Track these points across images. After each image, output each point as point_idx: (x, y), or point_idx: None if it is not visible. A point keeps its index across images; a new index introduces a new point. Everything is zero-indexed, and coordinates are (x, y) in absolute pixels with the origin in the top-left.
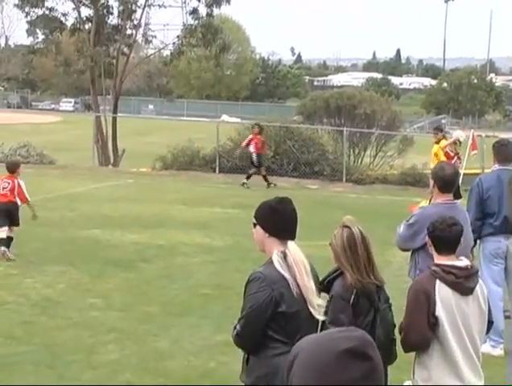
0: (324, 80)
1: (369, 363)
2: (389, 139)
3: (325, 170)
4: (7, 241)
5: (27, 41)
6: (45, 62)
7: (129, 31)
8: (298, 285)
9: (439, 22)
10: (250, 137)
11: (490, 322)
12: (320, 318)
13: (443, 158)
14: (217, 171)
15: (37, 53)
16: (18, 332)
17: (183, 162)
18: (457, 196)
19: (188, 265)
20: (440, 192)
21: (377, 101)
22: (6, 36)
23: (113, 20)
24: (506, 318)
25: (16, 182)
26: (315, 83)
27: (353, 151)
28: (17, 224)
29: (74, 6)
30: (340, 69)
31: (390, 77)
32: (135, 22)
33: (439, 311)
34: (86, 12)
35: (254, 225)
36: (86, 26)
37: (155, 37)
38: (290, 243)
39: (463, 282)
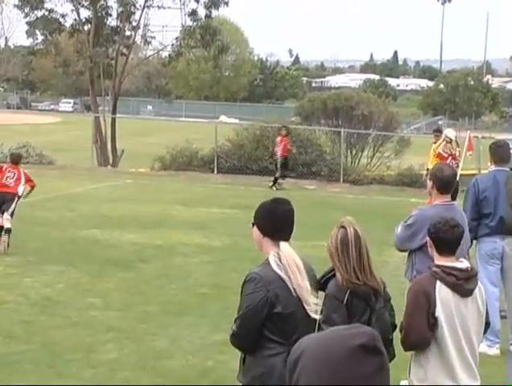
0: (321, 82)
1: (380, 357)
2: (386, 140)
3: (323, 170)
4: (6, 231)
5: (27, 42)
6: (44, 63)
7: (128, 33)
8: (293, 286)
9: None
10: (278, 139)
11: (487, 324)
12: (317, 317)
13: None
14: (215, 172)
15: (36, 54)
16: (18, 331)
17: (182, 163)
18: (454, 197)
19: (187, 265)
20: (439, 193)
21: (374, 102)
22: (6, 37)
23: (112, 21)
24: (502, 318)
25: (21, 171)
26: (313, 84)
27: (350, 152)
28: (12, 212)
29: (73, 8)
30: (337, 70)
31: (387, 79)
32: (134, 24)
33: (439, 312)
34: (85, 13)
35: (253, 225)
36: (85, 28)
37: (154, 38)
38: (282, 243)
39: (463, 284)
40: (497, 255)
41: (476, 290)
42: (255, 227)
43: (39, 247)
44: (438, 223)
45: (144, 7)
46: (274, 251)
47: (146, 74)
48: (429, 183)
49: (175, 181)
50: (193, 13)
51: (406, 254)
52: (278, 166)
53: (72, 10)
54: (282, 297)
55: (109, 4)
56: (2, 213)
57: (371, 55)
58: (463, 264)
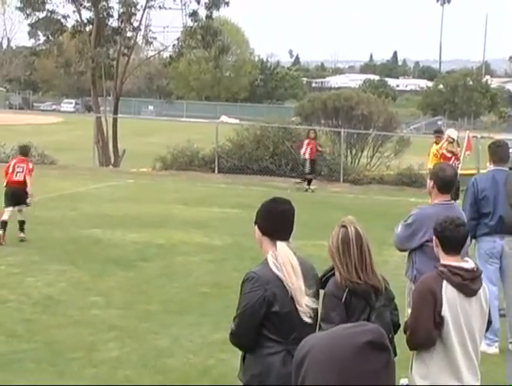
0: (321, 82)
1: (387, 353)
2: (385, 140)
3: (323, 170)
4: (20, 225)
5: (29, 43)
6: (46, 63)
7: (129, 33)
8: (288, 285)
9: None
10: (306, 142)
11: (489, 322)
12: (306, 319)
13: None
14: (216, 171)
15: (39, 55)
16: (20, 330)
17: (183, 163)
18: (456, 197)
19: (188, 264)
20: (440, 193)
21: (374, 103)
22: (8, 38)
23: (113, 22)
24: (501, 316)
25: (30, 164)
26: (313, 84)
27: (350, 152)
28: (26, 204)
29: (75, 9)
30: (337, 71)
31: (386, 79)
32: (135, 25)
33: (445, 311)
34: (87, 14)
35: (255, 224)
36: (87, 29)
37: (155, 39)
38: (279, 243)
39: (468, 284)
40: (496, 254)
41: (481, 290)
42: (256, 226)
43: (41, 246)
44: (444, 222)
45: (145, 8)
46: (273, 250)
47: (148, 74)
48: (429, 183)
49: (177, 181)
50: (194, 13)
51: (406, 254)
52: (308, 168)
53: (74, 11)
54: (280, 297)
55: (110, 5)
56: (15, 206)
57: (371, 56)
58: (469, 264)
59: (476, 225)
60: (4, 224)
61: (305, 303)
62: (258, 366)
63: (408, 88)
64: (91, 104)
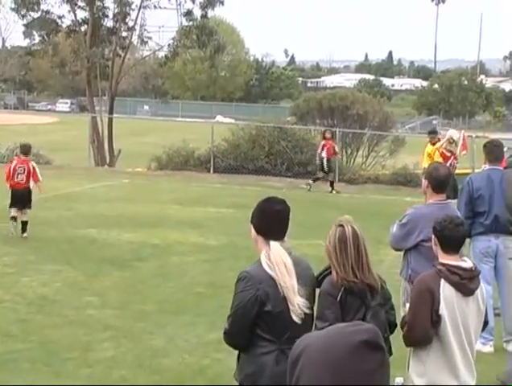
0: (317, 82)
1: (382, 352)
2: (381, 139)
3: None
4: (22, 225)
5: (24, 43)
6: (41, 63)
7: (124, 33)
8: (280, 285)
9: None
10: (323, 142)
11: (485, 323)
12: (297, 319)
13: (439, 159)
14: (212, 171)
15: (34, 55)
16: (15, 330)
17: (178, 163)
18: (455, 196)
19: (183, 264)
20: (434, 192)
21: (369, 102)
22: (3, 38)
23: (108, 22)
24: (496, 315)
25: (30, 165)
26: (309, 84)
27: (345, 151)
28: (29, 207)
29: (70, 9)
30: (332, 71)
31: (381, 78)
32: (130, 24)
33: (443, 310)
34: (82, 14)
35: (251, 223)
36: (82, 29)
37: (151, 38)
38: (272, 243)
39: (466, 283)
40: (491, 253)
41: (478, 290)
42: (251, 226)
43: (37, 246)
44: (444, 221)
45: (140, 8)
46: (266, 250)
47: (143, 74)
48: (424, 182)
49: (172, 180)
50: (189, 13)
51: (401, 253)
52: (326, 168)
53: (69, 11)
54: (272, 296)
55: (105, 5)
56: (19, 209)
57: (366, 56)
58: (467, 263)
59: (471, 224)
60: (14, 219)
61: (297, 303)
62: (251, 365)
63: (403, 88)
64: (85, 104)
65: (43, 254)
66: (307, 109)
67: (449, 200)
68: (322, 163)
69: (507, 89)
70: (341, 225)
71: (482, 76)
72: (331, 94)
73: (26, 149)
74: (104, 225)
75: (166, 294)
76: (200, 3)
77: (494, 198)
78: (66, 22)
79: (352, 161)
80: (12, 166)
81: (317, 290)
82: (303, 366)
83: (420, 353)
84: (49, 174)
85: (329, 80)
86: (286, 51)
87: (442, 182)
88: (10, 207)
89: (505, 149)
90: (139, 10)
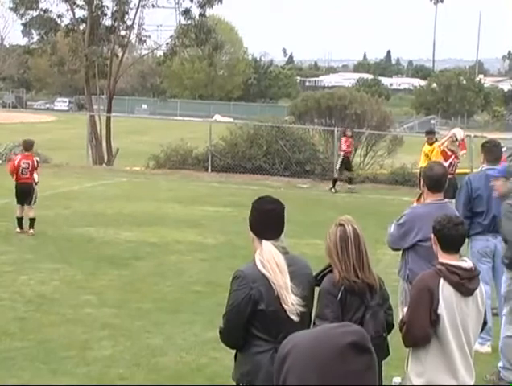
0: (315, 81)
1: (369, 355)
2: (379, 139)
3: (316, 169)
4: (30, 222)
5: (23, 41)
6: (40, 62)
7: (122, 32)
8: (273, 284)
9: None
10: (343, 139)
11: (485, 323)
12: (293, 317)
13: (439, 157)
14: (210, 170)
15: (32, 53)
16: (13, 328)
17: (176, 161)
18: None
19: (181, 263)
20: (430, 192)
21: (367, 102)
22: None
23: (106, 21)
24: (494, 315)
25: (35, 160)
26: (307, 83)
27: None
28: (34, 201)
29: (68, 8)
30: (331, 70)
31: (380, 78)
32: (129, 23)
33: (442, 309)
34: (80, 13)
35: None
36: (80, 27)
37: (149, 37)
38: (264, 242)
39: (466, 283)
40: (489, 253)
41: (477, 290)
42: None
43: (35, 244)
44: (442, 221)
45: (139, 6)
46: (260, 249)
47: (141, 73)
48: (421, 182)
49: (170, 179)
50: (187, 12)
51: (399, 253)
52: (338, 167)
53: (68, 10)
54: (266, 295)
55: (104, 4)
56: (22, 205)
57: (364, 55)
58: (467, 263)
59: (470, 224)
60: (19, 220)
61: (291, 301)
62: (247, 364)
63: (402, 87)
64: (83, 102)
65: (41, 252)
66: (305, 109)
67: (447, 200)
68: (339, 160)
69: (506, 89)
70: (342, 224)
71: (481, 76)
72: (329, 93)
73: (28, 145)
74: (102, 224)
75: (164, 293)
76: (198, 2)
77: (492, 198)
78: (64, 20)
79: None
80: (16, 162)
81: (317, 289)
82: (290, 366)
83: (419, 353)
84: (47, 173)
85: (327, 80)
86: (284, 50)
87: (436, 181)
88: (17, 203)
89: (503, 149)
90: (137, 9)
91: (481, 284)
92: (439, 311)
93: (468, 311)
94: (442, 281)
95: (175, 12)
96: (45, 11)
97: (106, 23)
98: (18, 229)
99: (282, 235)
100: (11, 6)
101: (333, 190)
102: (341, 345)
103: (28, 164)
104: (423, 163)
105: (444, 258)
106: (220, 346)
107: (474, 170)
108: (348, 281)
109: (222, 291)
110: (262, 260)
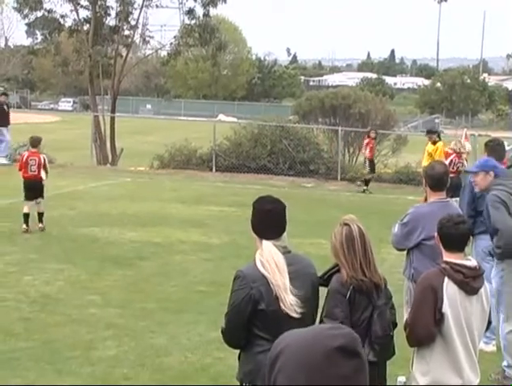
0: (319, 80)
1: (358, 359)
2: (383, 138)
3: (320, 168)
4: (39, 216)
5: (27, 42)
6: (44, 62)
7: (126, 32)
8: (272, 283)
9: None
10: (366, 141)
11: (489, 323)
12: (294, 315)
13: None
14: (214, 170)
15: (36, 54)
16: (18, 329)
17: (181, 161)
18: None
19: (185, 263)
20: (433, 191)
21: (371, 101)
22: (6, 37)
23: (110, 21)
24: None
25: (41, 157)
26: (311, 83)
27: (347, 150)
28: (42, 196)
29: (72, 8)
30: (335, 69)
31: (384, 77)
32: (133, 23)
33: (446, 308)
34: (84, 13)
35: None
36: (84, 28)
37: (153, 37)
38: (264, 242)
39: (470, 282)
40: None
41: (482, 289)
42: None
43: (39, 245)
44: (443, 220)
45: (142, 6)
46: (261, 249)
47: (145, 73)
48: (424, 181)
49: (174, 179)
50: (190, 11)
51: (404, 252)
52: (368, 168)
53: (72, 10)
54: (266, 295)
55: (108, 4)
56: (32, 200)
57: (368, 54)
58: (471, 262)
59: (474, 223)
60: (26, 217)
61: (289, 302)
62: (249, 364)
63: (406, 87)
64: (87, 102)
65: (46, 253)
66: (309, 108)
67: (448, 198)
68: (365, 163)
69: (510, 87)
70: (347, 224)
71: (485, 75)
72: (333, 93)
73: (35, 142)
74: (106, 224)
75: (168, 293)
76: (202, 1)
77: None
78: (68, 21)
79: (354, 159)
80: (24, 159)
81: (321, 288)
82: (282, 366)
83: (424, 352)
84: (52, 173)
85: (331, 79)
86: (288, 50)
87: (438, 180)
88: (25, 199)
89: (507, 148)
90: (141, 9)
91: (485, 283)
92: (443, 310)
93: (472, 310)
94: (446, 279)
95: (179, 12)
96: (49, 11)
97: (110, 23)
98: (24, 226)
99: (284, 234)
100: (15, 5)
101: (367, 191)
102: (329, 348)
103: (35, 160)
104: (425, 162)
105: (449, 257)
106: (225, 346)
107: None
108: (356, 281)
109: (226, 291)
110: (261, 259)
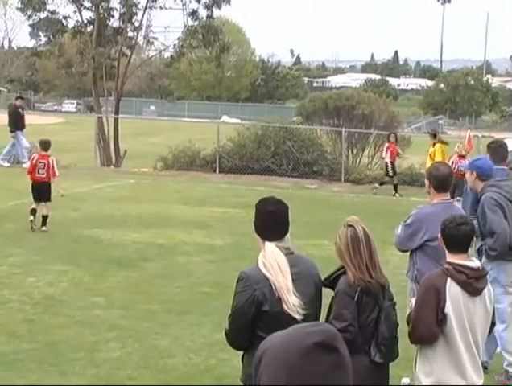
0: (322, 82)
1: (336, 354)
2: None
3: (324, 170)
4: (43, 219)
5: (30, 43)
6: (47, 64)
7: (130, 33)
8: (275, 285)
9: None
10: (387, 145)
11: (493, 324)
12: (297, 316)
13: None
14: (217, 171)
15: (40, 55)
16: (22, 330)
17: (184, 163)
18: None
19: (189, 264)
20: (437, 192)
21: (375, 102)
22: (9, 39)
23: (114, 22)
24: None
25: (50, 160)
26: (314, 84)
27: (351, 151)
28: (49, 200)
29: (75, 9)
30: (338, 70)
31: (387, 78)
32: (136, 25)
33: (448, 309)
34: (88, 15)
35: None
36: (88, 29)
37: (156, 39)
38: (267, 243)
39: (473, 283)
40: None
41: (485, 290)
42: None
43: (43, 246)
44: (446, 221)
45: (146, 8)
46: (263, 250)
47: (149, 74)
48: (427, 182)
49: (178, 181)
50: (194, 13)
51: (407, 253)
52: (391, 172)
53: (75, 12)
54: (269, 296)
55: (111, 5)
56: (39, 202)
57: (372, 55)
58: (474, 263)
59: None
60: (33, 211)
61: (292, 303)
62: (252, 365)
63: (409, 88)
64: (92, 104)
65: (50, 254)
66: (312, 109)
67: (451, 199)
68: (387, 167)
69: None
70: (352, 225)
71: (488, 76)
72: (337, 94)
73: (45, 145)
74: (110, 225)
75: (172, 294)
76: (205, 3)
77: None
78: (72, 22)
79: (358, 161)
80: (34, 160)
81: (325, 290)
82: (264, 366)
83: (427, 352)
84: None
85: (335, 80)
86: (291, 51)
87: (442, 180)
88: (33, 200)
89: (510, 149)
90: (145, 11)
91: (488, 284)
92: (445, 310)
93: (475, 311)
94: (449, 280)
95: (183, 13)
96: (52, 13)
97: (114, 25)
98: (31, 217)
99: (287, 235)
100: (19, 6)
101: (397, 195)
102: (307, 345)
103: (44, 164)
104: (428, 164)
105: (451, 258)
106: (229, 347)
107: None
108: (363, 282)
109: (230, 292)
110: (264, 261)
